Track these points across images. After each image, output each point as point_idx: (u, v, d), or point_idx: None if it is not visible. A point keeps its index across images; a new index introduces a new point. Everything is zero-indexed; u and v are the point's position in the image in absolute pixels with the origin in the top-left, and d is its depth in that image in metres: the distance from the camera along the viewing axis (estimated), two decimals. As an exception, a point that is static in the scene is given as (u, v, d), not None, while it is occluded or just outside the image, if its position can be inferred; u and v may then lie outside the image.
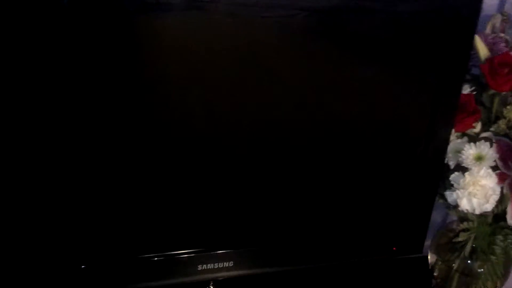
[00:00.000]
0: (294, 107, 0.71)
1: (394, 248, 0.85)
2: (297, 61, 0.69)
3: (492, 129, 0.78)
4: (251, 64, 0.66)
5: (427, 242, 0.88)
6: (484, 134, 0.79)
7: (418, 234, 0.85)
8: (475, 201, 0.77)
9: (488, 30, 0.80)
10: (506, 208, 0.78)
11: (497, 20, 0.79)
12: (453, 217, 0.91)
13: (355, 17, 0.67)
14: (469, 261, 0.88)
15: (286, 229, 0.80)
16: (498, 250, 0.83)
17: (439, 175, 0.81)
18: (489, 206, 0.77)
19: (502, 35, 0.78)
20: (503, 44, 0.77)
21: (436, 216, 0.90)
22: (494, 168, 0.77)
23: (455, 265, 0.90)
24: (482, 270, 0.88)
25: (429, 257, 0.94)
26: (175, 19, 0.61)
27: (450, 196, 0.80)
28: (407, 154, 0.79)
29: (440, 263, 0.93)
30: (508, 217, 0.77)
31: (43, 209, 0.67)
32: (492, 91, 0.78)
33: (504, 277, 0.90)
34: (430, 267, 0.94)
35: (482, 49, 0.78)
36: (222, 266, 0.78)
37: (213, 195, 0.74)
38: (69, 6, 0.57)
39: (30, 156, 0.64)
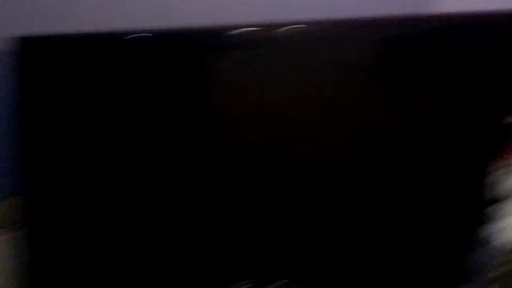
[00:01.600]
0: (362, 141, 0.71)
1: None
2: (367, 97, 0.68)
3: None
4: (313, 97, 0.65)
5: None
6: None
7: (458, 268, 0.83)
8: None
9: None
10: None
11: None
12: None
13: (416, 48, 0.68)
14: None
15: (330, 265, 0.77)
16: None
17: (481, 206, 0.81)
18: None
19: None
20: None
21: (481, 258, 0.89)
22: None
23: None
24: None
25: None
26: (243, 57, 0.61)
27: (492, 229, 0.80)
28: (448, 184, 0.78)
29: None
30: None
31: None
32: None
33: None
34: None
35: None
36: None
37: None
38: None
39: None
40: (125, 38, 0.56)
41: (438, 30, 0.69)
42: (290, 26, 0.61)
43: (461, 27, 0.70)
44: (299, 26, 0.61)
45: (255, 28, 0.60)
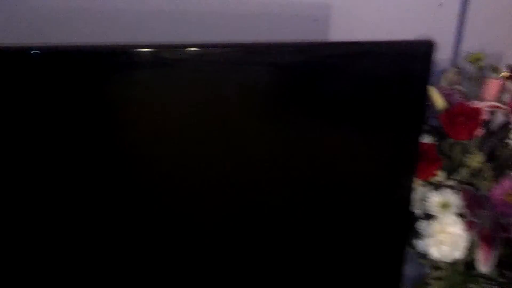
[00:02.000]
0: (267, 167, 0.72)
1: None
2: (265, 121, 0.69)
3: (455, 177, 0.81)
4: (220, 121, 0.67)
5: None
6: (448, 183, 0.81)
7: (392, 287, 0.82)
8: (444, 248, 0.78)
9: (443, 83, 0.84)
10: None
11: (451, 74, 0.83)
12: (429, 269, 0.91)
13: (315, 75, 0.69)
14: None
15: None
16: (472, 298, 0.84)
17: (407, 224, 0.81)
18: (458, 254, 0.78)
19: (456, 87, 0.82)
20: (458, 95, 0.81)
21: (412, 271, 0.89)
22: (461, 216, 0.79)
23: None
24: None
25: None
26: (144, 77, 0.62)
27: (419, 244, 0.80)
28: (373, 205, 0.79)
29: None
30: (479, 264, 0.79)
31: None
32: (451, 140, 0.81)
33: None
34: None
35: (439, 100, 0.81)
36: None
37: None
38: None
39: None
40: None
41: (345, 56, 0.71)
42: (191, 48, 0.62)
43: (368, 53, 0.72)
44: (197, 48, 0.63)
45: (157, 49, 0.61)
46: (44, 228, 0.65)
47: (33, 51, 0.57)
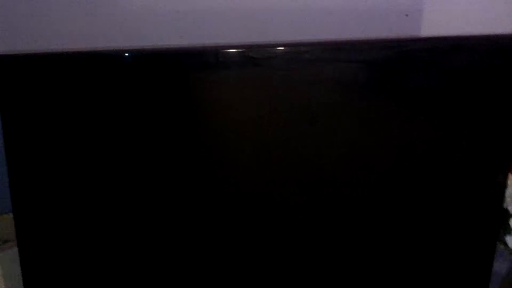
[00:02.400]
0: (354, 162, 0.72)
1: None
2: (355, 117, 0.69)
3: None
4: (307, 120, 0.67)
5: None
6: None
7: (481, 282, 0.83)
8: (537, 245, 0.77)
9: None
10: None
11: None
12: None
13: (409, 71, 0.69)
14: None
15: (347, 277, 0.79)
16: None
17: (499, 221, 0.81)
18: (552, 250, 0.77)
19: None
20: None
21: (501, 267, 0.89)
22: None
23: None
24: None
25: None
26: (232, 76, 0.62)
27: (510, 241, 0.79)
28: (465, 200, 0.78)
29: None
30: None
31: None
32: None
33: None
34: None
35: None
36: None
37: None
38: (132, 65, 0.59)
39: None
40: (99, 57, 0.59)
41: (438, 52, 0.71)
42: (279, 48, 0.62)
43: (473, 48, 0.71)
44: (287, 47, 0.63)
45: (241, 49, 0.61)
46: (117, 223, 0.66)
47: (126, 54, 0.59)
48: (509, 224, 0.80)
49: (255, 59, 0.61)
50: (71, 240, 0.64)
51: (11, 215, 0.62)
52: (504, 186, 0.80)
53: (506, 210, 0.81)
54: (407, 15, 0.83)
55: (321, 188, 0.72)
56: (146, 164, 0.63)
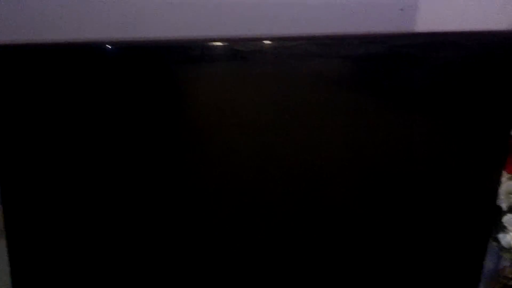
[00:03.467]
0: (344, 158, 0.71)
1: (448, 294, 0.82)
2: (340, 111, 0.68)
3: (544, 170, 0.79)
4: (292, 113, 0.66)
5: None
6: (536, 176, 0.79)
7: (472, 278, 0.83)
8: (530, 243, 0.77)
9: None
10: None
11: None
12: (504, 263, 0.91)
13: (401, 67, 0.68)
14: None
15: (341, 274, 0.78)
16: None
17: (492, 218, 0.80)
18: (544, 249, 0.77)
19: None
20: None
21: (488, 263, 0.89)
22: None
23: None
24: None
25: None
26: (218, 70, 0.61)
27: (504, 238, 0.79)
28: (459, 197, 0.78)
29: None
30: None
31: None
32: (542, 133, 0.79)
33: None
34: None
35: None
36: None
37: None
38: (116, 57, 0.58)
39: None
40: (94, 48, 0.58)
41: (432, 47, 0.70)
42: (271, 41, 0.61)
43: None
44: (281, 40, 0.62)
45: (227, 43, 0.60)
46: (115, 217, 0.66)
47: (108, 46, 0.58)
48: (501, 222, 0.79)
49: (242, 53, 0.60)
50: (58, 232, 0.64)
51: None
52: (498, 183, 0.79)
53: (500, 208, 0.80)
54: (402, 10, 0.83)
55: (309, 182, 0.72)
56: (132, 157, 0.63)
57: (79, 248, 0.66)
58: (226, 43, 0.60)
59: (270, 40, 0.62)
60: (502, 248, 0.81)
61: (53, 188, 0.62)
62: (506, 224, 0.79)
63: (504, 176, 0.79)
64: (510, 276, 0.84)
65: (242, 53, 0.61)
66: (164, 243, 0.68)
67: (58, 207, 0.63)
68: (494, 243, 0.81)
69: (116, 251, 0.67)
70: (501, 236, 0.79)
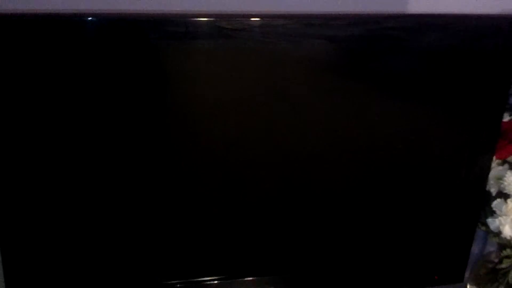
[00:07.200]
0: (331, 141, 0.71)
1: (436, 277, 0.82)
2: (331, 94, 0.68)
3: (534, 155, 0.78)
4: (276, 93, 0.65)
5: (466, 274, 0.87)
6: (526, 161, 0.79)
7: (460, 262, 0.83)
8: (518, 227, 0.77)
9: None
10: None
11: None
12: (491, 247, 0.91)
13: (389, 49, 0.67)
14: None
15: (327, 256, 0.79)
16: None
17: (481, 202, 0.80)
18: (532, 233, 0.77)
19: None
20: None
21: (474, 248, 0.89)
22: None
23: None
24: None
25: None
26: (202, 48, 0.60)
27: (492, 223, 0.79)
28: (448, 182, 0.78)
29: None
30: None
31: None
32: (533, 119, 0.78)
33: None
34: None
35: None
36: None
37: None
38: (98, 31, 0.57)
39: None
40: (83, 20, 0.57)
41: (422, 30, 0.69)
42: (253, 19, 0.60)
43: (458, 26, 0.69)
44: (264, 18, 0.60)
45: (212, 19, 0.59)
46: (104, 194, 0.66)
47: (89, 18, 0.57)
48: (491, 207, 0.79)
49: (228, 30, 0.59)
50: (52, 231, 0.65)
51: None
52: (488, 168, 0.79)
53: (489, 192, 0.80)
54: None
55: (296, 161, 0.71)
56: (116, 138, 0.63)
57: (72, 247, 0.66)
58: (210, 19, 0.59)
59: (256, 17, 0.60)
60: (490, 233, 0.81)
61: (38, 171, 0.62)
62: (495, 209, 0.78)
63: (494, 162, 0.79)
64: (496, 260, 0.84)
65: (226, 30, 0.59)
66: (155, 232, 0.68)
67: (46, 199, 0.63)
68: (483, 228, 0.81)
69: (110, 248, 0.68)
70: (490, 220, 0.79)
